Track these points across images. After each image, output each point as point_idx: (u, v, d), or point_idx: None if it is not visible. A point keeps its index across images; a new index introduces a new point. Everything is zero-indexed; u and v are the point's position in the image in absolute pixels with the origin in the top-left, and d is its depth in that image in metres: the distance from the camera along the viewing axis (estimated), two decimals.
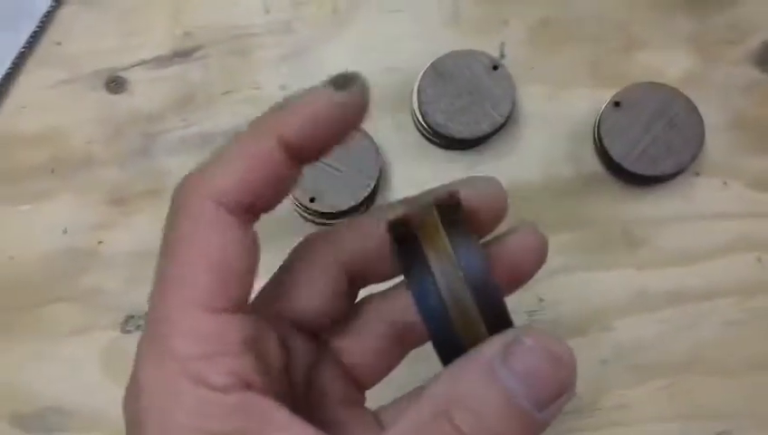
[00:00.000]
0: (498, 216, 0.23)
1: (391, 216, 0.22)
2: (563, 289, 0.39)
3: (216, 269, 0.19)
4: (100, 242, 0.40)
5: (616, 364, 0.38)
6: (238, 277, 0.20)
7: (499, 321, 0.20)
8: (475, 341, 0.19)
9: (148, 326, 0.20)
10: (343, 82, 0.20)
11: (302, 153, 0.20)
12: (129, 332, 0.39)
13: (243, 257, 0.20)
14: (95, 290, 0.39)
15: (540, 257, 0.23)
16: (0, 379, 0.39)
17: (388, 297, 0.24)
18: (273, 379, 0.21)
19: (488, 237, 0.24)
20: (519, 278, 0.24)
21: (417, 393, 0.24)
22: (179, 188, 0.20)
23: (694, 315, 0.38)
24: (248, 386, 0.19)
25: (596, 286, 0.39)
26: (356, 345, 0.24)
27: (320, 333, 0.24)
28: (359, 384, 0.24)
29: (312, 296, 0.23)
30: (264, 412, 0.19)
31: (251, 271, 0.20)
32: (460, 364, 0.19)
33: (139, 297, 0.39)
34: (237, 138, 0.20)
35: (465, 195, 0.22)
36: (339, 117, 0.20)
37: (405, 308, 0.24)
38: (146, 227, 0.40)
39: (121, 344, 0.39)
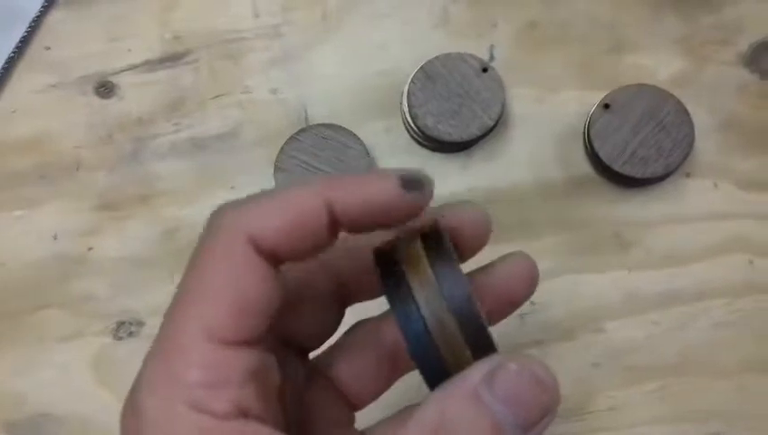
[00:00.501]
0: (481, 241, 0.24)
1: (377, 242, 0.22)
2: (554, 292, 0.39)
3: (236, 304, 0.19)
4: (89, 248, 0.40)
5: (607, 366, 0.38)
6: (257, 315, 0.20)
7: (483, 346, 0.20)
8: (460, 366, 0.20)
9: (158, 346, 0.20)
10: (413, 184, 0.20)
11: (346, 225, 0.21)
12: (120, 338, 0.39)
13: (265, 297, 0.20)
14: (85, 296, 0.39)
15: (531, 285, 0.24)
16: None
17: (380, 322, 0.25)
18: (274, 405, 0.21)
19: (481, 265, 0.24)
20: (511, 305, 0.24)
21: (403, 415, 0.24)
22: (216, 217, 0.20)
23: (685, 317, 0.38)
24: (247, 415, 0.19)
25: (587, 289, 0.39)
26: (348, 368, 0.24)
27: (308, 352, 0.24)
28: (349, 406, 0.25)
29: (302, 315, 0.23)
30: None
31: (271, 311, 0.20)
32: (446, 389, 0.20)
33: (129, 303, 0.39)
34: (289, 187, 0.20)
35: (450, 220, 0.22)
36: (394, 210, 0.20)
37: (396, 334, 0.24)
38: (136, 233, 0.39)
39: (112, 351, 0.39)
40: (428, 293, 0.20)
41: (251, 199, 0.20)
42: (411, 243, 0.21)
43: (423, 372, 0.20)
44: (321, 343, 0.24)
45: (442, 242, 0.21)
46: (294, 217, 0.20)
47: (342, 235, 0.24)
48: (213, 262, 0.20)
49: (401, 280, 0.21)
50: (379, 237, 0.22)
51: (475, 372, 0.19)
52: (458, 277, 0.20)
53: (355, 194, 0.20)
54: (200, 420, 0.18)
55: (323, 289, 0.23)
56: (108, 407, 0.38)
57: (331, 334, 0.24)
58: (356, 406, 0.25)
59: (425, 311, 0.20)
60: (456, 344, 0.20)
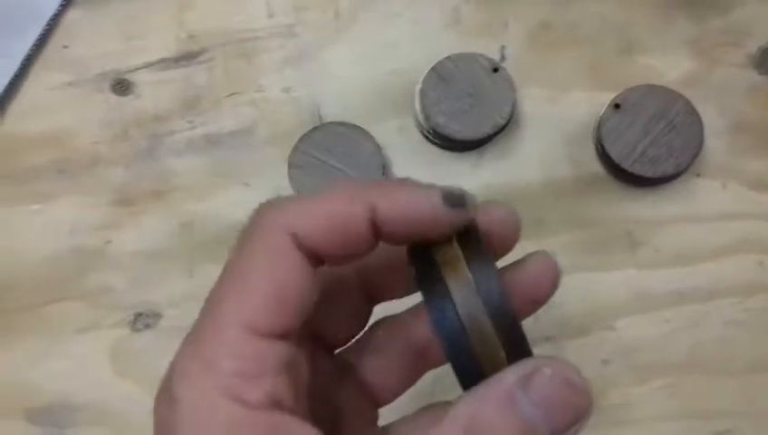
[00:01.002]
0: (511, 241, 0.24)
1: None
2: (565, 290, 0.38)
3: (275, 297, 0.20)
4: (107, 242, 0.40)
5: (617, 364, 0.38)
6: (294, 309, 0.20)
7: (518, 349, 0.20)
8: (495, 367, 0.20)
9: (194, 335, 0.20)
10: (456, 200, 0.21)
11: (385, 233, 0.21)
12: (138, 330, 0.39)
13: (303, 292, 0.20)
14: (103, 289, 0.40)
15: (554, 283, 0.24)
16: (11, 376, 0.39)
17: (407, 318, 0.25)
18: (302, 398, 0.21)
19: (503, 263, 0.24)
20: (535, 304, 0.24)
21: (430, 413, 0.24)
22: (259, 213, 0.21)
23: (695, 316, 0.39)
24: (280, 406, 0.19)
25: (597, 287, 0.39)
26: (375, 364, 0.25)
27: (337, 349, 0.24)
28: (375, 402, 0.25)
29: (331, 312, 0.23)
30: (293, 432, 0.19)
31: (307, 307, 0.21)
32: (480, 390, 0.20)
33: (145, 296, 0.39)
34: (332, 188, 0.21)
35: (480, 219, 0.22)
36: (435, 224, 0.21)
37: (423, 330, 0.24)
38: (152, 228, 0.40)
39: (129, 342, 0.39)
40: (465, 292, 0.20)
41: (294, 198, 0.21)
42: (447, 241, 0.21)
43: (457, 372, 0.20)
44: (349, 340, 0.25)
45: (479, 242, 0.21)
46: (337, 217, 0.20)
47: None
48: (253, 255, 0.20)
49: (438, 278, 0.21)
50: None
51: (511, 375, 0.19)
52: (495, 278, 0.20)
53: (398, 204, 0.21)
54: (234, 408, 0.19)
55: (353, 286, 0.24)
56: (124, 396, 0.38)
57: (358, 332, 0.25)
58: (380, 402, 0.25)
59: (461, 310, 0.20)
60: (491, 345, 0.20)
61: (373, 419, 0.25)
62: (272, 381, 0.19)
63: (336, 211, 0.20)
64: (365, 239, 0.21)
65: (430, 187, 0.21)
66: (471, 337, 0.20)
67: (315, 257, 0.21)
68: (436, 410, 0.25)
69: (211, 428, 0.19)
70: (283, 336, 0.20)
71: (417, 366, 0.25)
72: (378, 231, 0.21)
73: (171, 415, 0.19)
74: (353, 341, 0.25)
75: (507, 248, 0.24)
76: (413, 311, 0.25)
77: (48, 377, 0.39)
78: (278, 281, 0.20)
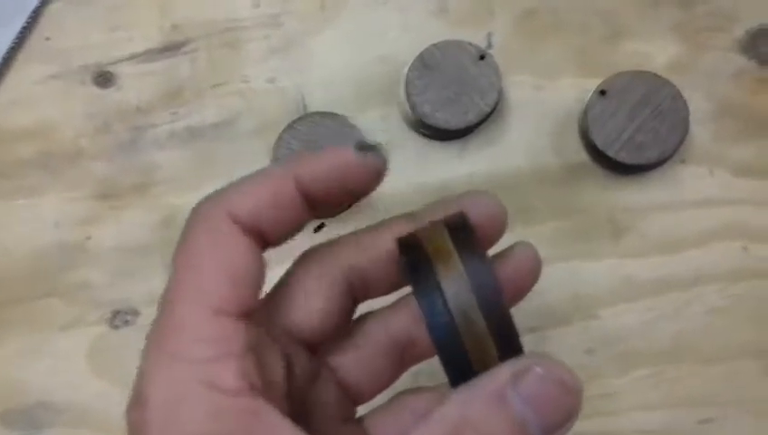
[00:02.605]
0: (498, 232, 0.24)
1: (399, 233, 0.22)
2: (548, 278, 0.38)
3: (228, 276, 0.20)
4: (88, 237, 0.40)
5: (601, 353, 0.38)
6: (248, 287, 0.20)
7: (510, 346, 0.20)
8: (486, 364, 0.20)
9: (157, 331, 0.20)
10: (366, 147, 0.22)
11: (316, 199, 0.22)
12: (116, 327, 0.39)
13: (253, 270, 0.21)
14: (83, 285, 0.40)
15: (535, 274, 0.25)
16: None
17: (388, 314, 0.25)
18: (273, 390, 0.21)
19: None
20: (517, 295, 0.25)
21: (406, 403, 0.25)
22: (200, 204, 0.21)
23: (679, 303, 0.39)
24: (255, 390, 0.19)
25: (581, 275, 0.39)
26: (355, 362, 0.24)
27: (318, 346, 0.24)
28: (355, 400, 0.25)
29: (310, 310, 0.23)
30: (270, 420, 0.19)
31: (258, 286, 0.21)
32: (471, 388, 0.20)
33: (126, 292, 0.39)
34: (262, 170, 0.22)
35: (467, 210, 0.22)
36: (354, 175, 0.22)
37: (406, 325, 0.24)
38: (134, 222, 0.40)
39: (109, 340, 0.39)
40: (457, 287, 0.20)
41: (226, 186, 0.22)
42: (439, 234, 0.21)
43: (446, 367, 0.20)
44: (331, 338, 0.24)
45: (472, 235, 0.21)
46: (267, 191, 0.21)
47: (353, 233, 0.24)
48: (197, 242, 0.21)
49: (429, 272, 0.20)
50: (392, 233, 0.23)
51: (502, 373, 0.19)
52: (489, 273, 0.20)
53: (318, 164, 0.22)
54: (209, 397, 0.19)
55: (334, 285, 0.23)
56: (104, 395, 0.38)
57: (341, 331, 0.24)
58: (360, 400, 0.25)
59: (452, 305, 0.20)
60: (482, 342, 0.20)
61: (351, 415, 0.25)
62: (240, 362, 0.19)
63: (265, 184, 0.21)
64: (298, 211, 0.22)
65: (346, 145, 0.22)
66: (462, 333, 0.20)
67: (259, 233, 0.21)
68: (414, 400, 0.25)
69: (186, 419, 0.18)
70: (242, 315, 0.20)
71: (398, 363, 0.25)
72: (309, 199, 0.22)
73: (142, 417, 0.19)
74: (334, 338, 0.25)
75: (494, 239, 0.24)
76: (394, 307, 0.25)
77: (26, 377, 0.39)
78: (226, 260, 0.20)
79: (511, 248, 0.25)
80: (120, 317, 0.39)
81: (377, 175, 0.22)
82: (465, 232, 0.21)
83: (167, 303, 0.20)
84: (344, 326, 0.24)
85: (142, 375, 0.19)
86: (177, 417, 0.18)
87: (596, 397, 0.38)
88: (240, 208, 0.21)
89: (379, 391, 0.25)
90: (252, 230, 0.21)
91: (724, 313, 0.38)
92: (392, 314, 0.25)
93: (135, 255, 0.40)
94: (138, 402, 0.19)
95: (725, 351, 0.38)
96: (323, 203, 0.22)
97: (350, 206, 0.23)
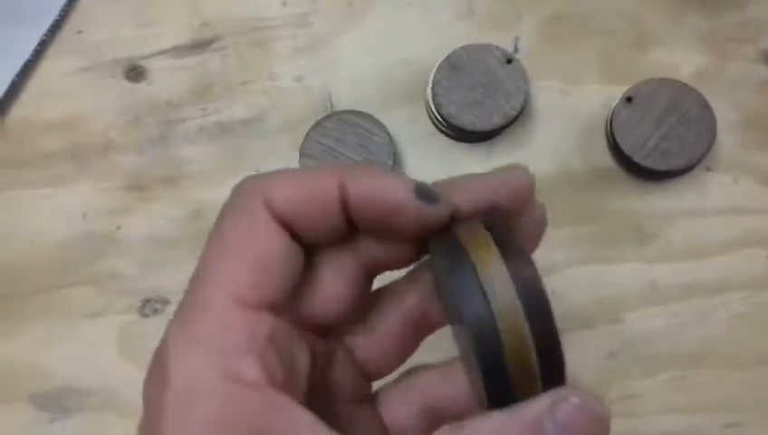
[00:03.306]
0: (524, 201, 0.22)
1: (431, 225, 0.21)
2: (574, 281, 0.39)
3: (259, 267, 0.20)
4: (118, 227, 0.40)
5: (625, 356, 0.38)
6: (279, 279, 0.20)
7: (555, 376, 0.19)
8: (527, 390, 0.19)
9: (182, 312, 0.20)
10: (425, 193, 0.20)
11: (356, 215, 0.21)
12: (146, 316, 0.39)
13: (283, 260, 0.20)
14: (112, 274, 0.40)
15: (526, 191, 0.23)
16: (19, 359, 0.39)
17: (401, 290, 0.24)
18: (296, 381, 0.21)
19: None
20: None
21: (408, 379, 0.24)
22: (240, 187, 0.21)
23: (703, 309, 0.39)
24: (276, 384, 0.19)
25: (606, 279, 0.39)
26: (370, 341, 0.24)
27: (334, 328, 0.24)
28: (370, 378, 0.25)
29: (328, 296, 0.23)
30: (290, 413, 0.19)
31: (292, 278, 0.21)
32: (512, 411, 0.19)
33: (155, 282, 0.40)
34: (310, 168, 0.21)
35: (495, 185, 0.22)
36: (401, 213, 0.20)
37: (419, 300, 0.24)
38: (163, 214, 0.40)
39: (138, 327, 0.39)
40: (501, 289, 0.18)
41: (271, 172, 0.21)
42: (475, 229, 0.20)
43: (486, 382, 0.19)
44: (348, 320, 0.24)
45: (511, 233, 0.20)
46: (308, 189, 0.21)
47: None
48: (232, 225, 0.20)
49: (466, 266, 0.19)
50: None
51: (543, 402, 0.19)
52: (534, 275, 0.19)
53: (368, 183, 0.20)
54: (228, 388, 0.18)
55: (350, 269, 0.23)
56: (131, 381, 0.38)
57: (358, 310, 0.24)
58: (376, 377, 0.25)
59: (497, 310, 0.18)
60: (529, 367, 0.19)
61: (365, 395, 0.25)
62: (263, 354, 0.19)
63: (308, 181, 0.21)
64: (335, 216, 0.21)
65: (406, 177, 0.21)
66: (507, 348, 0.18)
67: (290, 227, 0.21)
68: (423, 378, 0.24)
69: (205, 407, 0.18)
70: (270, 308, 0.20)
71: (412, 337, 0.24)
72: (348, 212, 0.21)
73: (162, 395, 0.19)
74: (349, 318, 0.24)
75: (522, 208, 0.22)
76: (405, 281, 0.24)
77: (56, 361, 0.39)
78: (259, 250, 0.20)
79: (503, 168, 0.23)
80: (150, 306, 0.39)
81: (427, 223, 0.21)
82: (502, 228, 0.20)
83: (195, 283, 0.20)
84: (360, 305, 0.24)
85: (166, 351, 0.19)
86: (195, 404, 0.18)
87: (619, 400, 0.38)
88: (276, 196, 0.20)
89: (396, 366, 0.25)
90: (285, 221, 0.20)
91: (748, 319, 0.38)
92: (404, 288, 0.24)
93: (164, 246, 0.40)
94: (159, 378, 0.19)
95: (750, 357, 0.38)
96: (364, 223, 0.21)
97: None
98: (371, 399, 0.25)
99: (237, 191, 0.21)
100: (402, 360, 0.25)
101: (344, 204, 0.21)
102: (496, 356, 0.18)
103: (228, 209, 0.21)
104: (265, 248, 0.20)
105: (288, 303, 0.21)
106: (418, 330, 0.24)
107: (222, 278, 0.20)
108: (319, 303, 0.23)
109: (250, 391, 0.19)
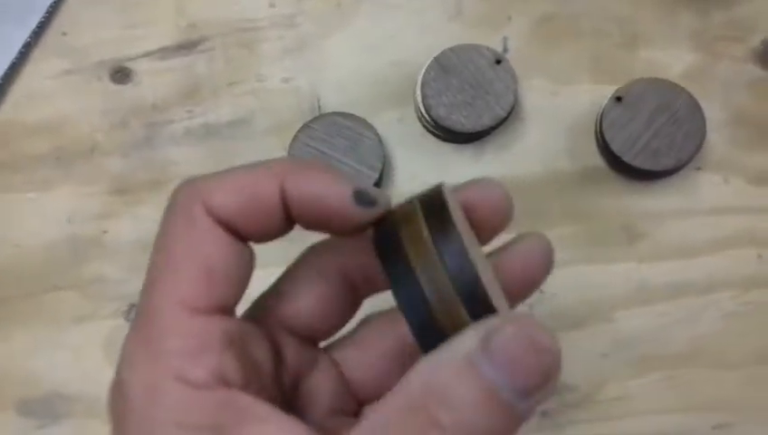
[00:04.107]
0: (503, 219, 0.23)
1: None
2: (564, 282, 0.39)
3: (201, 270, 0.20)
4: (104, 231, 0.40)
5: (615, 357, 0.38)
6: (224, 281, 0.20)
7: (480, 306, 0.19)
8: (457, 329, 0.19)
9: (135, 323, 0.20)
10: (365, 198, 0.21)
11: (296, 216, 0.21)
12: (132, 321, 0.39)
13: (229, 263, 0.20)
14: (98, 279, 0.39)
15: (547, 264, 0.23)
16: (5, 366, 0.39)
17: (397, 315, 0.24)
18: (262, 381, 0.21)
19: (495, 244, 0.24)
20: (529, 285, 0.24)
21: (370, 339, 0.24)
22: (179, 190, 0.21)
23: (693, 309, 0.39)
24: (227, 383, 0.19)
25: (596, 279, 0.39)
26: (358, 360, 0.24)
27: (317, 340, 0.24)
28: (357, 395, 0.24)
29: (308, 303, 0.23)
30: (243, 407, 0.19)
31: (239, 279, 0.21)
32: (435, 356, 0.18)
33: (140, 286, 0.39)
34: (247, 165, 0.21)
35: (469, 197, 0.22)
36: (340, 217, 0.21)
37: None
38: (149, 218, 0.40)
39: (123, 332, 0.38)
40: (423, 253, 0.19)
41: (209, 174, 0.21)
42: (408, 206, 0.21)
43: (415, 333, 0.19)
44: (333, 334, 0.24)
45: (441, 204, 0.20)
46: (247, 191, 0.20)
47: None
48: (175, 231, 0.20)
49: (395, 241, 0.20)
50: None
51: (469, 337, 0.18)
52: (455, 238, 0.19)
53: (306, 187, 0.20)
54: (179, 389, 0.19)
55: (333, 280, 0.23)
56: None
57: (342, 325, 0.24)
58: (364, 397, 0.25)
59: (419, 270, 0.19)
60: (451, 304, 0.19)
61: (348, 408, 0.24)
62: (216, 357, 0.19)
63: (248, 185, 0.20)
64: (277, 216, 0.21)
65: (346, 179, 0.21)
66: (430, 296, 0.19)
67: (234, 231, 0.21)
68: (384, 330, 0.24)
69: (159, 410, 0.18)
70: (220, 310, 0.20)
71: (403, 364, 0.24)
72: (289, 209, 0.21)
73: (123, 407, 0.19)
74: (342, 336, 0.25)
75: (497, 227, 0.23)
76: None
77: (43, 367, 0.39)
78: (202, 255, 0.20)
79: (521, 237, 0.24)
80: (136, 311, 0.39)
81: (363, 227, 0.21)
82: (435, 201, 0.20)
83: (145, 292, 0.20)
84: (345, 319, 0.24)
85: (122, 365, 0.20)
86: (153, 408, 0.19)
87: (610, 400, 0.38)
88: (215, 201, 0.20)
89: (386, 388, 0.25)
90: (226, 225, 0.20)
91: (738, 319, 0.38)
92: (398, 315, 0.24)
93: (150, 250, 0.39)
94: (118, 393, 0.19)
95: (740, 356, 0.38)
96: (303, 223, 0.21)
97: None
98: (356, 414, 0.25)
99: (176, 196, 0.21)
100: (393, 382, 0.25)
101: (284, 204, 0.21)
102: (420, 304, 0.19)
103: (169, 215, 0.21)
104: (208, 252, 0.20)
105: (238, 302, 0.21)
106: (408, 358, 0.24)
107: (168, 285, 0.20)
108: (298, 308, 0.23)
109: (199, 390, 0.19)
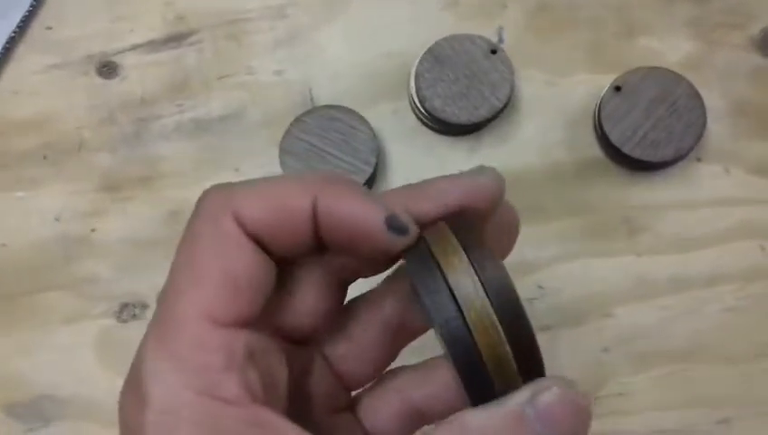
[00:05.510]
0: (493, 205, 0.22)
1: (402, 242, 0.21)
2: (563, 276, 0.38)
3: (231, 285, 0.19)
4: (92, 230, 0.39)
5: (616, 352, 0.38)
6: (251, 296, 0.20)
7: (532, 366, 0.20)
8: (507, 382, 0.20)
9: (157, 330, 0.19)
10: (398, 227, 0.20)
11: (324, 233, 0.21)
12: (124, 321, 0.38)
13: (255, 276, 0.20)
14: (88, 278, 0.39)
15: (496, 193, 0.22)
16: None
17: (378, 298, 0.24)
18: (279, 393, 0.21)
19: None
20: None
21: (385, 382, 0.24)
22: (208, 197, 0.20)
23: (695, 302, 0.38)
24: (257, 400, 0.19)
25: (596, 273, 0.38)
26: (348, 351, 0.24)
27: (310, 338, 0.23)
28: (349, 387, 0.24)
29: (303, 307, 0.23)
30: (273, 427, 0.19)
31: (263, 293, 0.20)
32: (494, 405, 0.20)
33: (132, 286, 0.38)
34: (281, 177, 0.21)
35: (465, 188, 0.21)
36: (370, 241, 0.20)
37: (396, 309, 0.24)
38: (139, 214, 0.39)
39: (116, 333, 0.38)
40: (469, 290, 0.19)
41: (239, 183, 0.21)
42: (441, 233, 0.20)
43: (465, 383, 0.20)
44: (324, 329, 0.24)
45: (477, 234, 0.20)
46: (279, 205, 0.20)
47: None
48: (201, 241, 0.20)
49: (436, 273, 0.19)
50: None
51: (523, 393, 0.20)
52: (502, 273, 0.19)
53: (341, 208, 0.20)
54: (209, 406, 0.18)
55: (324, 279, 0.23)
56: (110, 389, 0.37)
57: (333, 318, 0.24)
58: (354, 387, 0.24)
59: (467, 311, 0.19)
60: (505, 361, 0.19)
61: (344, 405, 0.24)
62: (242, 372, 0.19)
63: (279, 199, 0.20)
64: (306, 233, 0.21)
65: (378, 203, 0.20)
66: (481, 345, 0.19)
67: (261, 243, 0.20)
68: (401, 382, 0.24)
69: (187, 428, 0.18)
70: (244, 324, 0.20)
71: (391, 346, 0.24)
72: (318, 230, 0.21)
73: (141, 417, 0.18)
74: (328, 329, 0.24)
75: (492, 210, 0.22)
76: (382, 290, 0.24)
77: (32, 370, 0.38)
78: (228, 267, 0.20)
79: (472, 170, 0.22)
80: (128, 311, 0.38)
81: (393, 253, 0.21)
82: (468, 229, 0.20)
83: (168, 299, 0.20)
84: (334, 313, 0.24)
85: (143, 372, 0.19)
86: (177, 425, 0.18)
87: (611, 396, 0.37)
88: (246, 211, 0.20)
89: (375, 375, 0.24)
90: (254, 237, 0.20)
91: (741, 312, 0.38)
92: (381, 297, 0.24)
93: (141, 248, 0.39)
94: (136, 399, 0.19)
95: (743, 350, 0.38)
96: (330, 241, 0.21)
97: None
98: (352, 407, 0.24)
99: (205, 202, 0.20)
100: (381, 369, 0.25)
101: (315, 221, 0.20)
102: (469, 352, 0.19)
103: (197, 221, 0.20)
104: (236, 266, 0.20)
105: (260, 316, 0.21)
106: (397, 338, 0.24)
107: (194, 297, 0.19)
108: (293, 314, 0.22)
109: (231, 408, 0.18)
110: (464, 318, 0.19)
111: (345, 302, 0.24)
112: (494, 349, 0.19)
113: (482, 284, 0.19)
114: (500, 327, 0.19)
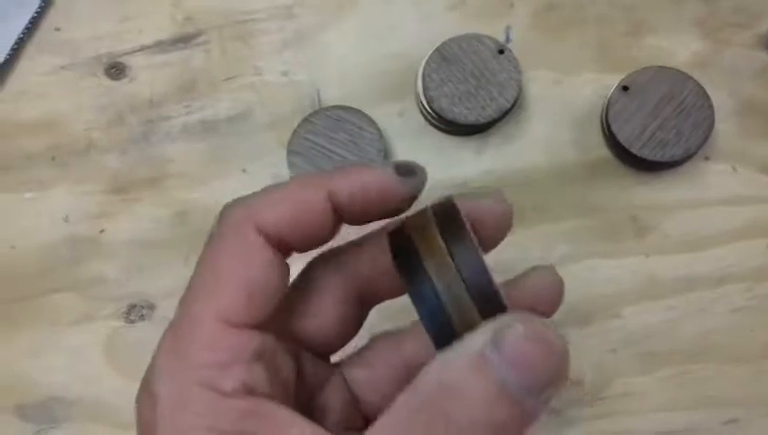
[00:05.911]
0: (502, 232, 0.24)
1: (391, 226, 0.22)
2: (570, 276, 0.37)
3: (246, 289, 0.21)
4: (101, 231, 0.39)
5: (624, 352, 0.38)
6: (264, 299, 0.21)
7: (492, 306, 0.19)
8: (469, 327, 0.19)
9: (171, 332, 0.21)
10: (407, 170, 0.22)
11: (347, 214, 0.22)
12: (132, 322, 0.39)
13: (272, 282, 0.21)
14: (97, 279, 0.39)
15: (557, 299, 0.24)
16: (3, 370, 0.38)
17: (402, 338, 0.25)
18: (287, 393, 0.22)
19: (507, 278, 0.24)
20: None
21: (383, 355, 0.25)
22: (231, 212, 0.22)
23: (703, 302, 0.38)
24: (254, 392, 0.20)
25: (604, 274, 0.38)
26: (367, 379, 0.25)
27: (329, 353, 0.25)
28: (365, 413, 0.25)
29: (320, 320, 0.24)
30: (269, 413, 0.20)
31: (276, 298, 0.22)
32: (450, 353, 0.19)
33: (140, 286, 0.39)
34: (293, 180, 0.22)
35: (470, 209, 0.22)
36: (391, 196, 0.22)
37: (419, 350, 0.24)
38: (147, 215, 0.39)
39: (124, 334, 0.38)
40: (437, 257, 0.20)
41: (256, 193, 0.22)
42: (420, 215, 0.22)
43: (430, 332, 0.20)
44: (342, 345, 0.25)
45: (453, 213, 0.21)
46: (298, 207, 0.21)
47: (361, 238, 0.25)
48: (224, 250, 0.21)
49: (411, 249, 0.21)
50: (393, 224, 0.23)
51: (482, 334, 0.18)
52: (469, 245, 0.20)
53: (355, 182, 0.22)
54: (209, 396, 0.19)
55: (342, 295, 0.24)
56: (119, 390, 0.38)
57: (351, 336, 0.25)
58: (369, 414, 0.25)
59: (433, 273, 0.20)
60: (464, 303, 0.19)
61: (356, 425, 0.25)
62: (245, 369, 0.20)
63: (298, 199, 0.21)
64: (327, 224, 0.22)
65: (384, 163, 0.22)
66: (443, 297, 0.20)
67: (284, 245, 0.22)
68: (390, 351, 0.25)
69: (189, 418, 0.19)
70: (255, 326, 0.21)
71: (406, 381, 0.24)
72: (339, 214, 0.22)
73: (152, 413, 0.20)
74: (351, 354, 0.25)
75: (497, 239, 0.24)
76: (408, 331, 0.25)
77: (41, 371, 0.38)
78: (248, 273, 0.21)
79: (530, 271, 0.24)
80: (136, 311, 0.39)
81: (412, 199, 0.23)
82: (446, 209, 0.21)
83: (187, 301, 0.21)
84: (355, 330, 0.25)
85: (154, 371, 0.20)
86: (184, 413, 0.19)
87: (618, 396, 0.37)
88: (267, 218, 0.21)
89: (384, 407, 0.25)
90: (278, 241, 0.21)
91: (749, 312, 0.38)
92: (406, 337, 0.25)
93: (149, 249, 0.39)
94: (148, 398, 0.20)
95: (751, 351, 0.38)
96: (354, 218, 0.23)
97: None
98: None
99: (227, 217, 0.22)
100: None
101: (335, 209, 0.22)
102: (440, 317, 0.20)
103: (218, 235, 0.21)
104: (257, 274, 0.21)
105: (276, 320, 0.22)
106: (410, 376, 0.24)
107: (212, 300, 0.20)
108: (310, 323, 0.24)
109: (228, 399, 0.19)
110: (434, 284, 0.20)
111: (372, 335, 0.25)
112: (457, 300, 0.19)
113: (457, 268, 0.20)
114: (460, 279, 0.20)
